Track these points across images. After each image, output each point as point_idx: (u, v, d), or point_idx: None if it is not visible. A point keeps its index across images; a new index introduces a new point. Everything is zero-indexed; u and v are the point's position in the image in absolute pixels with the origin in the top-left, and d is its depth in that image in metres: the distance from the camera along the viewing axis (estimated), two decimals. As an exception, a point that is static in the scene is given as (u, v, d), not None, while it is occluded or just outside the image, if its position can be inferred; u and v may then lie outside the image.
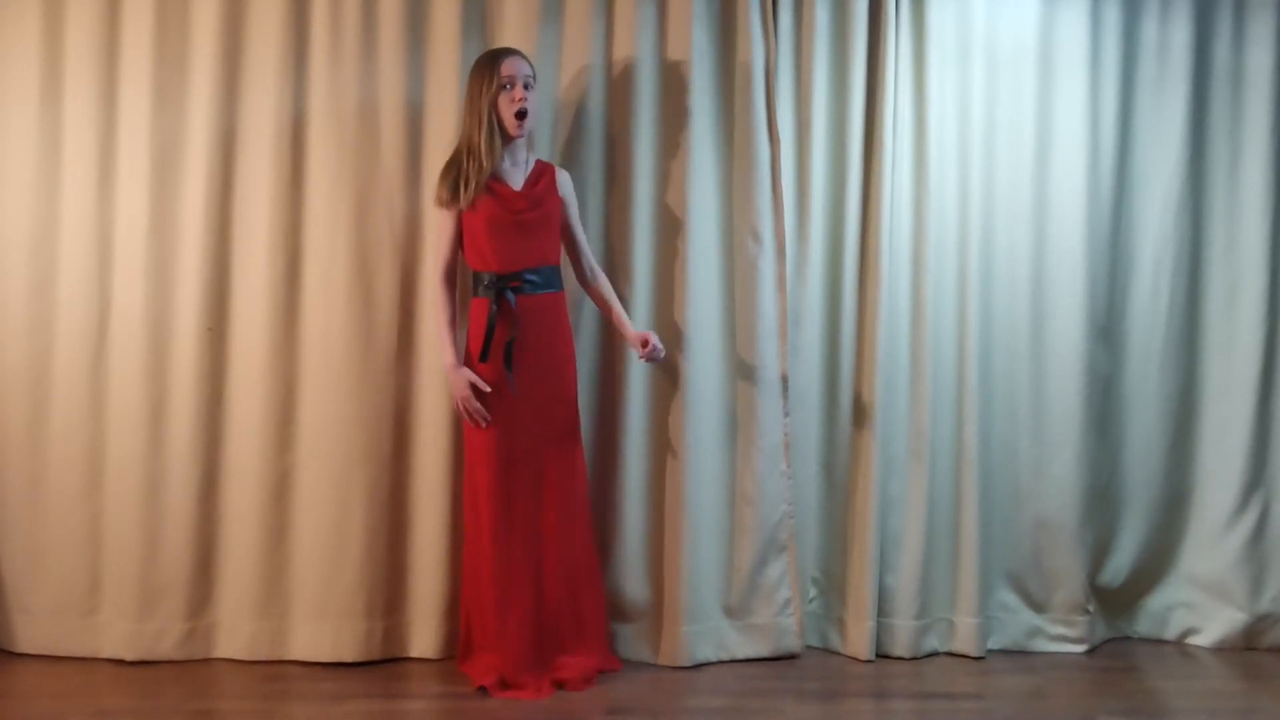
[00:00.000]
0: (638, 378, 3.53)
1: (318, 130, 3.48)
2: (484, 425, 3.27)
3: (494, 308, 3.27)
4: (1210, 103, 3.81)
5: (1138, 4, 3.77)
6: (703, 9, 3.54)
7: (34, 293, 3.50)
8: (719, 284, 3.58)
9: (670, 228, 3.55)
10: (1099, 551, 3.81)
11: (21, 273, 3.50)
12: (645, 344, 3.33)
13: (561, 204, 3.39)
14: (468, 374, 3.27)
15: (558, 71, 3.54)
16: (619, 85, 3.54)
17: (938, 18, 3.62)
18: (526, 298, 3.30)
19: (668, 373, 3.54)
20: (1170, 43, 3.78)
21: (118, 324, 3.48)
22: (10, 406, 3.51)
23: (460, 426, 3.46)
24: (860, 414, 3.64)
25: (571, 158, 3.53)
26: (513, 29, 3.50)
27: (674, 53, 3.53)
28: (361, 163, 3.48)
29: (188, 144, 3.48)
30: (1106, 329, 3.77)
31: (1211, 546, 3.82)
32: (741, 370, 3.57)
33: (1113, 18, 3.73)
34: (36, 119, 3.50)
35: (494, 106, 3.26)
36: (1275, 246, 3.79)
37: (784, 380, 3.58)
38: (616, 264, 3.55)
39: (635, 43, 3.51)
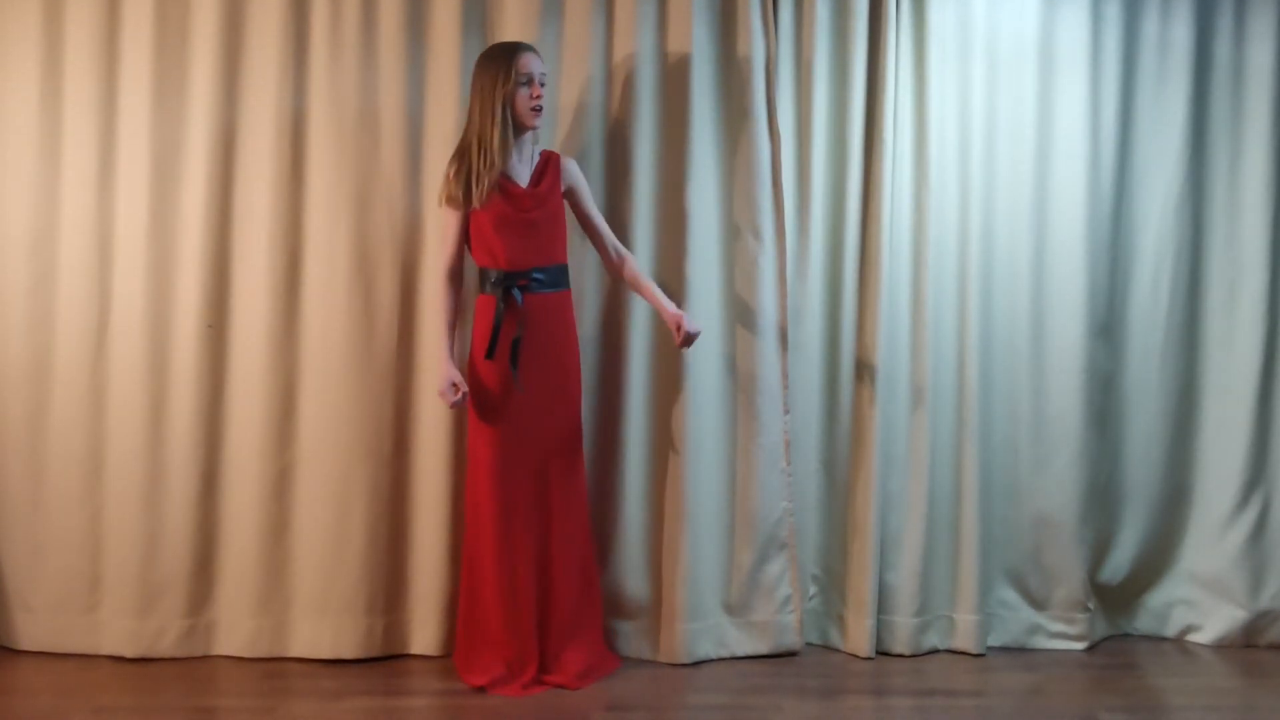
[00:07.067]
0: (638, 374, 3.53)
1: (318, 129, 3.48)
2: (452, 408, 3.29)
3: (501, 306, 3.26)
4: (1211, 100, 3.80)
5: (1138, 1, 3.76)
6: (703, 5, 3.54)
7: (34, 290, 3.50)
8: (719, 281, 3.58)
9: (671, 224, 3.54)
10: (1099, 549, 3.80)
11: (22, 270, 3.51)
12: (679, 329, 3.29)
13: (571, 193, 3.36)
14: (451, 372, 3.26)
15: (558, 69, 3.53)
16: (619, 82, 3.53)
17: (938, 14, 3.62)
18: (533, 296, 3.29)
19: (668, 369, 3.54)
20: (1171, 40, 3.77)
21: (118, 321, 3.48)
22: (11, 403, 3.51)
23: (461, 423, 3.46)
24: (860, 411, 3.64)
25: (572, 155, 3.51)
26: (513, 27, 3.50)
27: (674, 49, 3.53)
28: (361, 161, 3.48)
29: (188, 142, 3.48)
30: (1107, 326, 3.77)
31: (1212, 544, 3.82)
32: (742, 367, 3.57)
33: (1113, 14, 3.72)
34: (36, 118, 3.50)
35: (509, 102, 3.24)
36: (1275, 244, 3.78)
37: (784, 377, 3.59)
38: (617, 261, 3.55)
39: (635, 39, 3.51)
